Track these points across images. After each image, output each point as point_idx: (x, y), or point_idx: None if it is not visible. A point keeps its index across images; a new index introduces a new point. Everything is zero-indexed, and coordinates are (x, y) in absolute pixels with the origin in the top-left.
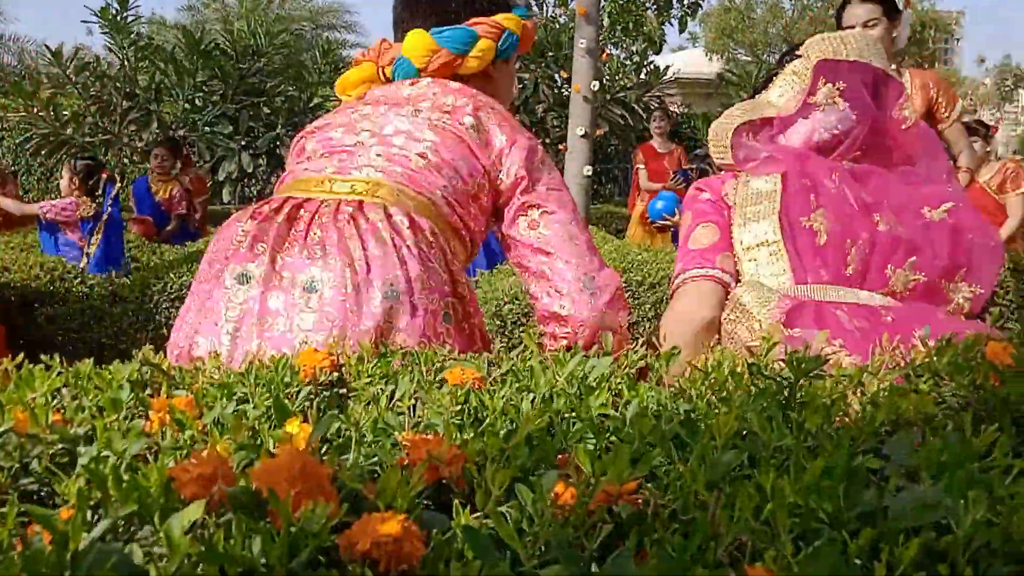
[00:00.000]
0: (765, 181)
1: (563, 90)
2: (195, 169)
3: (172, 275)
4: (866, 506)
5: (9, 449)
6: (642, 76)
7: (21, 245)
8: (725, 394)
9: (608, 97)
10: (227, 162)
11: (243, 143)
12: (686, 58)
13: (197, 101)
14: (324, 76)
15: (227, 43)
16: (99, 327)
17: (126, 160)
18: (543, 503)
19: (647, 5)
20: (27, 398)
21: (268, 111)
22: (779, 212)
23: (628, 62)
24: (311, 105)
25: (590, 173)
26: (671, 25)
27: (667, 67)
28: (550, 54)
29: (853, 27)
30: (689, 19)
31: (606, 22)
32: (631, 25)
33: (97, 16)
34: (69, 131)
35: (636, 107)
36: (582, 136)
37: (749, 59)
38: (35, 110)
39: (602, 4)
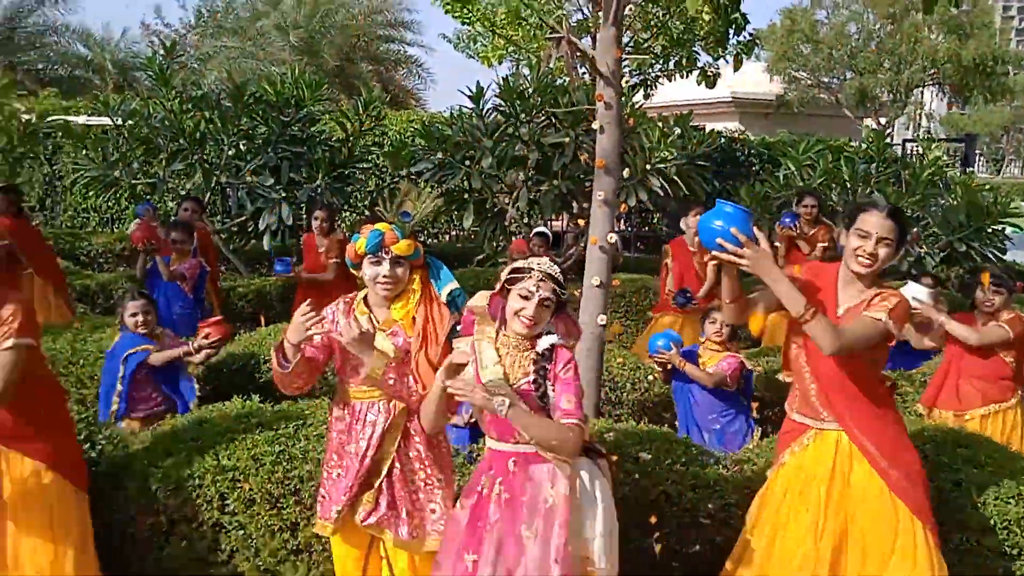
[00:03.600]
0: None
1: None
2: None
3: None
4: None
5: None
6: (685, 149)
7: None
8: None
9: (648, 167)
10: (267, 213)
11: (284, 194)
12: (745, 76)
13: (241, 147)
14: (366, 126)
15: (270, 92)
16: None
17: (170, 203)
18: None
19: (700, 37)
20: None
21: (309, 161)
22: None
23: (667, 130)
24: (353, 156)
25: (604, 322)
26: (727, 62)
27: (712, 133)
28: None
29: (868, 233)
30: (744, 56)
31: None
32: (684, 60)
33: (144, 64)
34: (117, 173)
35: (676, 179)
36: (597, 286)
37: (811, 82)
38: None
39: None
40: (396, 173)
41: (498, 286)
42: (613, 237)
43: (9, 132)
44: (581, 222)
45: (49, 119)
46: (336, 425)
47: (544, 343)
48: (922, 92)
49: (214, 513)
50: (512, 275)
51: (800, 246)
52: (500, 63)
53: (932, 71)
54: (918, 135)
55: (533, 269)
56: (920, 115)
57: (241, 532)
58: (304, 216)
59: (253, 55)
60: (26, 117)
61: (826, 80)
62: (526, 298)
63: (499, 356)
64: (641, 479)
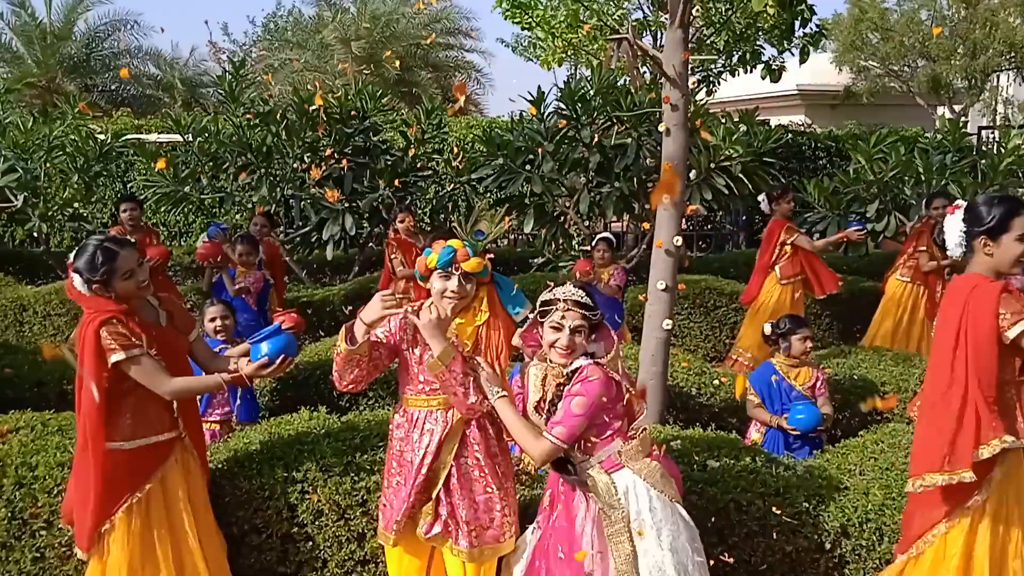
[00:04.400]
0: None
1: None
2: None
3: None
4: None
5: None
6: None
7: None
8: None
9: (712, 165)
10: (331, 223)
11: (347, 205)
12: (811, 67)
13: (306, 159)
14: (429, 135)
15: (335, 105)
16: None
17: (238, 216)
18: None
19: (764, 31)
20: None
21: (372, 171)
22: None
23: (735, 129)
24: (417, 163)
25: (670, 327)
26: (792, 55)
27: (777, 128)
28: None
29: None
30: (811, 49)
31: (721, 49)
32: (748, 55)
33: (215, 83)
34: (187, 188)
35: (742, 176)
36: (663, 290)
37: (881, 71)
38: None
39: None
40: (457, 180)
41: (530, 320)
42: (679, 240)
43: (86, 152)
44: (645, 225)
45: (123, 138)
46: (396, 433)
47: (574, 364)
48: (998, 77)
49: (283, 524)
50: (542, 308)
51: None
52: (560, 65)
53: (1010, 55)
54: (995, 122)
55: (559, 300)
56: (997, 101)
57: (309, 543)
58: (366, 225)
59: (316, 67)
60: (101, 137)
61: (896, 68)
62: (557, 329)
63: (543, 379)
64: (709, 487)
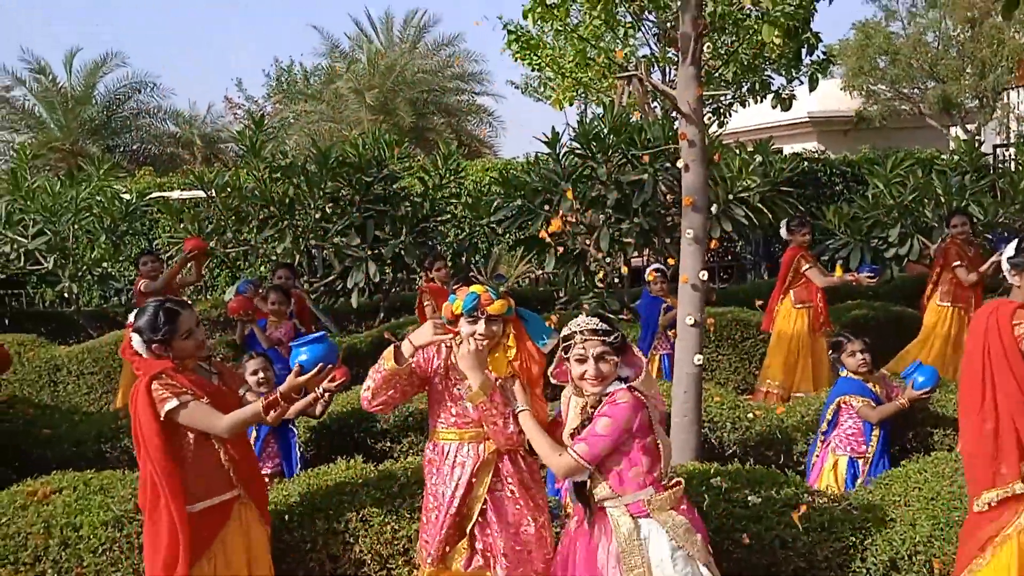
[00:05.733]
0: None
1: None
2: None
3: None
4: None
5: None
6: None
7: None
8: None
9: (731, 197)
10: (355, 271)
11: (370, 252)
12: (821, 94)
13: (328, 209)
14: (447, 179)
15: (352, 155)
16: None
17: (263, 269)
18: None
19: (771, 60)
20: None
21: (393, 218)
22: None
23: (751, 160)
24: (436, 208)
25: (700, 362)
26: (800, 83)
27: (793, 156)
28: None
29: None
30: (820, 76)
31: (729, 79)
32: (757, 85)
33: (236, 138)
34: (212, 243)
35: (761, 206)
36: (692, 325)
37: (891, 95)
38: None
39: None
40: (476, 223)
41: (557, 358)
42: (704, 274)
43: (112, 213)
44: (671, 260)
45: (147, 196)
46: (428, 468)
47: (609, 389)
48: (1008, 94)
49: None
50: (564, 343)
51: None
52: (571, 104)
53: (1018, 72)
54: (1008, 139)
55: (576, 332)
56: (1010, 118)
57: None
58: (389, 271)
59: (331, 118)
60: (126, 197)
61: (907, 91)
62: (582, 361)
63: (583, 408)
64: (752, 524)
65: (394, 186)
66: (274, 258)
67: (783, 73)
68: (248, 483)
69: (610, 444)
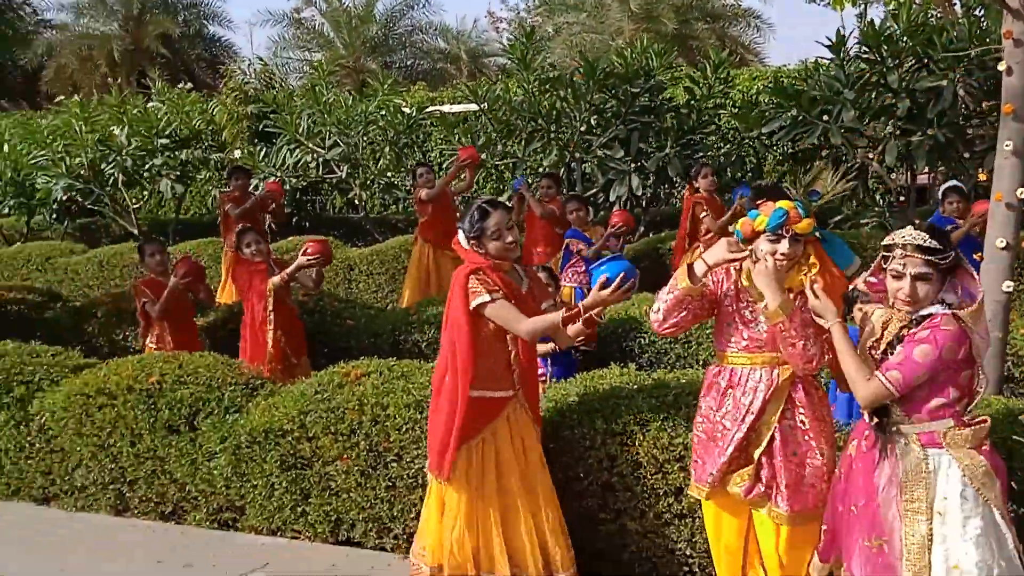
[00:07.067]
0: None
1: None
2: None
3: None
4: None
5: None
6: None
7: None
8: None
9: None
10: (618, 184)
11: (633, 165)
12: None
13: (592, 122)
14: (715, 89)
15: (620, 65)
16: None
17: (530, 181)
18: None
19: None
20: None
21: (658, 130)
22: None
23: None
24: (702, 120)
25: (1010, 289)
26: None
27: None
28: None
29: None
30: None
31: None
32: None
33: (507, 52)
34: (483, 155)
35: None
36: (1003, 248)
37: None
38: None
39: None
40: (746, 135)
41: (873, 266)
42: (1022, 192)
43: (395, 126)
44: (983, 176)
45: (425, 110)
46: (710, 392)
47: (926, 311)
48: None
49: (603, 474)
50: (884, 252)
51: None
52: (853, 5)
53: None
54: None
55: (898, 245)
56: None
57: (628, 493)
58: (652, 185)
59: (592, 28)
60: (406, 111)
61: None
62: (898, 277)
63: (886, 322)
64: None
65: (660, 97)
66: (539, 169)
67: None
68: (526, 385)
69: (926, 375)
